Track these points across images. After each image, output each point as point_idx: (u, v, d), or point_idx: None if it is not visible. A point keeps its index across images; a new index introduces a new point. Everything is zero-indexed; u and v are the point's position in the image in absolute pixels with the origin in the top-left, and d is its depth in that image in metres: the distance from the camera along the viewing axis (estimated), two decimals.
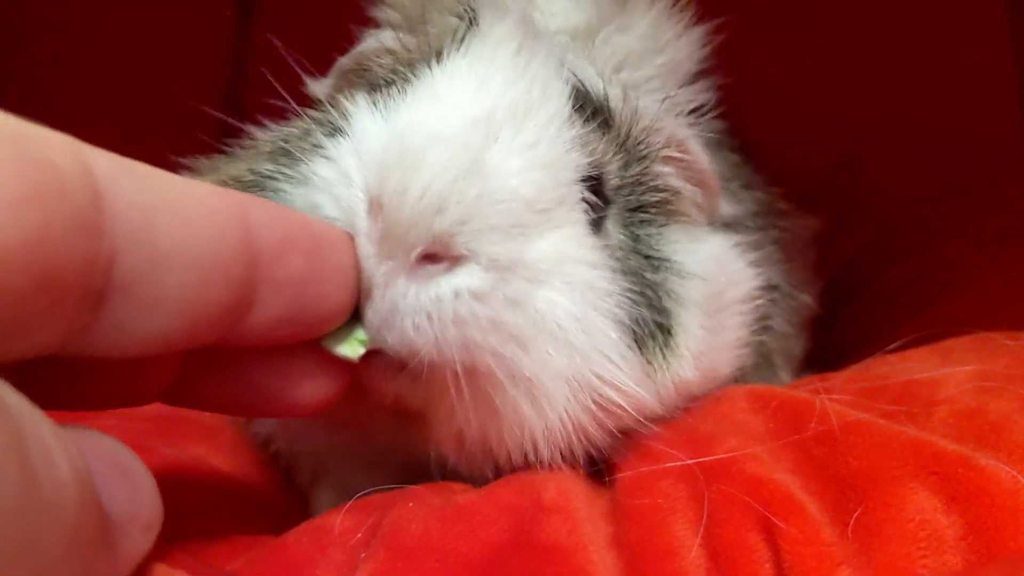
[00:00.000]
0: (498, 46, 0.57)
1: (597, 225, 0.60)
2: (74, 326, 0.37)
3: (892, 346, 0.70)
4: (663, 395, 0.59)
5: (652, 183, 0.65)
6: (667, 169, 0.66)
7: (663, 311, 0.60)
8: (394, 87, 0.60)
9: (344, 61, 0.72)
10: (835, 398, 0.61)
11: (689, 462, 0.56)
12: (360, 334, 0.52)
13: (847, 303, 1.04)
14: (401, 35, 0.68)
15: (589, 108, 0.60)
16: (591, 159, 0.59)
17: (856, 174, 1.20)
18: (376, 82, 0.65)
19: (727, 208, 0.71)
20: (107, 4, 1.24)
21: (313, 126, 0.60)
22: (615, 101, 0.62)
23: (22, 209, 0.33)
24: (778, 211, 0.84)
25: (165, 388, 0.49)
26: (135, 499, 0.42)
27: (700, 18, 0.72)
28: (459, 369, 0.52)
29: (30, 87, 1.17)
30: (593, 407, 0.56)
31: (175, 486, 0.66)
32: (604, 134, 0.61)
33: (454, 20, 0.64)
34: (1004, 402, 0.58)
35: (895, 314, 0.96)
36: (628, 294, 0.58)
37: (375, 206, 0.51)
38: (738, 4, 1.16)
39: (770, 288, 0.76)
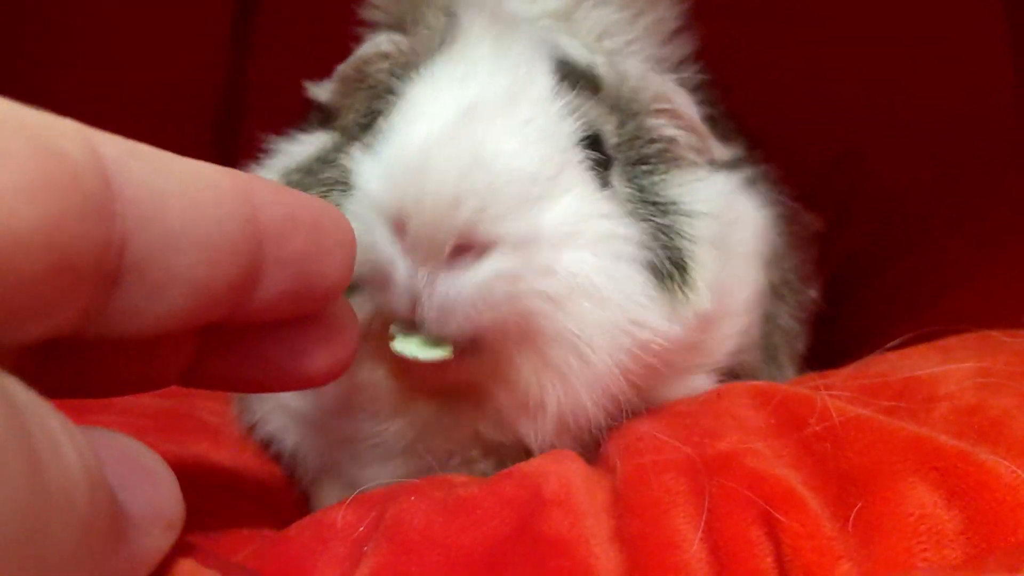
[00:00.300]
0: (478, 40, 0.60)
1: (603, 182, 0.63)
2: (89, 308, 0.38)
3: (892, 343, 0.71)
4: (686, 324, 0.63)
5: (648, 136, 0.69)
6: (659, 121, 0.69)
7: (677, 250, 0.64)
8: (388, 99, 0.63)
9: (342, 68, 0.73)
10: (836, 394, 0.61)
11: (690, 452, 0.57)
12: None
13: (847, 299, 1.04)
14: (395, 37, 0.69)
15: (577, 76, 0.63)
16: (585, 121, 0.62)
17: (854, 167, 1.20)
18: (375, 88, 0.68)
19: (720, 152, 0.73)
20: (107, 4, 1.24)
21: (332, 189, 0.63)
22: (601, 67, 0.66)
23: (37, 197, 0.33)
24: (785, 200, 0.85)
25: (182, 370, 0.50)
26: (155, 498, 0.42)
27: (697, 13, 0.73)
28: (515, 338, 0.57)
29: (30, 87, 1.17)
30: (632, 347, 0.60)
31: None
32: (595, 98, 0.65)
33: (445, 19, 0.66)
34: (1004, 398, 0.58)
35: (895, 311, 0.96)
36: (644, 237, 0.62)
37: (400, 224, 0.54)
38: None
39: (780, 283, 0.78)
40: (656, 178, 0.68)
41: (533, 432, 0.62)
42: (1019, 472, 0.51)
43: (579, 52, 0.65)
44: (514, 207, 0.55)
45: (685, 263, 0.64)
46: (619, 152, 0.66)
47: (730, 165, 0.75)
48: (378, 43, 0.70)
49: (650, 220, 0.64)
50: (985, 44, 1.18)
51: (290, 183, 0.67)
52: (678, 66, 0.72)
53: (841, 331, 0.96)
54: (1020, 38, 1.16)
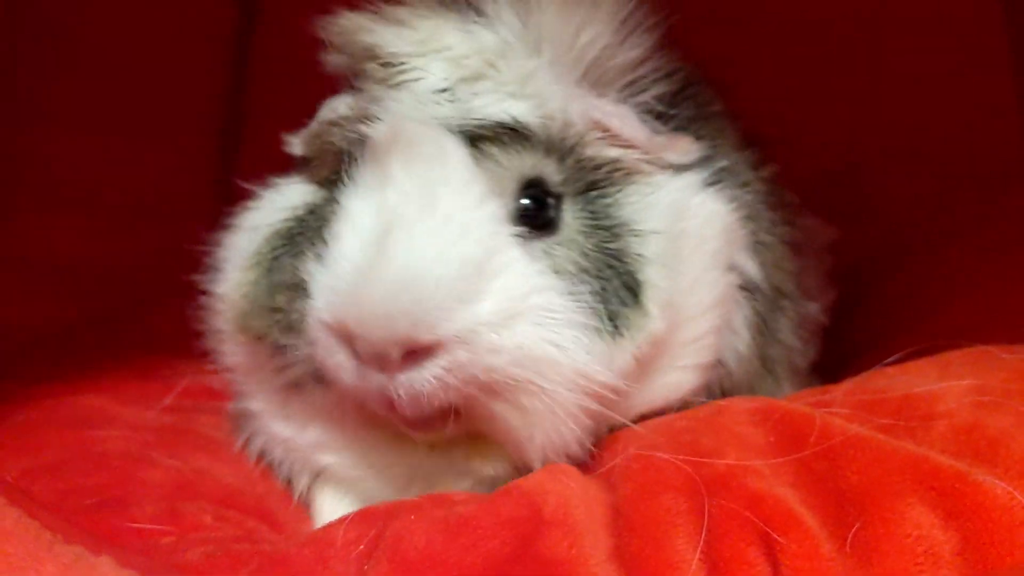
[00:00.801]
0: (390, 144, 0.61)
1: (552, 225, 0.65)
2: None
3: (891, 359, 0.70)
4: (637, 355, 0.64)
5: (591, 164, 0.68)
6: (598, 148, 0.68)
7: (627, 274, 0.65)
8: (350, 163, 0.65)
9: (306, 134, 0.73)
10: (834, 411, 0.62)
11: (689, 471, 0.57)
12: None
13: (848, 311, 1.04)
14: (346, 101, 0.68)
15: (504, 135, 0.64)
16: (521, 176, 0.64)
17: (855, 181, 1.20)
18: (338, 150, 0.69)
19: (675, 156, 0.71)
20: (108, 11, 1.24)
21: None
22: (524, 116, 0.64)
23: None
24: (792, 205, 0.84)
25: None
26: None
27: (699, 28, 0.71)
28: (486, 397, 0.61)
29: (30, 93, 1.17)
30: (582, 394, 0.62)
31: (177, 497, 0.67)
32: (528, 145, 0.65)
33: (383, 76, 0.65)
34: (1002, 417, 0.58)
35: (895, 323, 0.96)
36: (586, 288, 0.63)
37: (347, 338, 0.59)
38: (738, 10, 1.16)
39: (779, 294, 0.77)
40: (609, 199, 0.68)
41: (527, 460, 0.64)
42: (1015, 493, 0.51)
43: (496, 111, 0.64)
44: (446, 312, 0.57)
45: (637, 288, 0.65)
46: (566, 186, 0.66)
47: (696, 164, 0.72)
48: (331, 110, 0.70)
49: (602, 248, 0.65)
50: (986, 57, 1.18)
51: (274, 249, 0.69)
52: (625, 75, 0.69)
53: (841, 342, 0.96)
54: (1021, 51, 1.17)
